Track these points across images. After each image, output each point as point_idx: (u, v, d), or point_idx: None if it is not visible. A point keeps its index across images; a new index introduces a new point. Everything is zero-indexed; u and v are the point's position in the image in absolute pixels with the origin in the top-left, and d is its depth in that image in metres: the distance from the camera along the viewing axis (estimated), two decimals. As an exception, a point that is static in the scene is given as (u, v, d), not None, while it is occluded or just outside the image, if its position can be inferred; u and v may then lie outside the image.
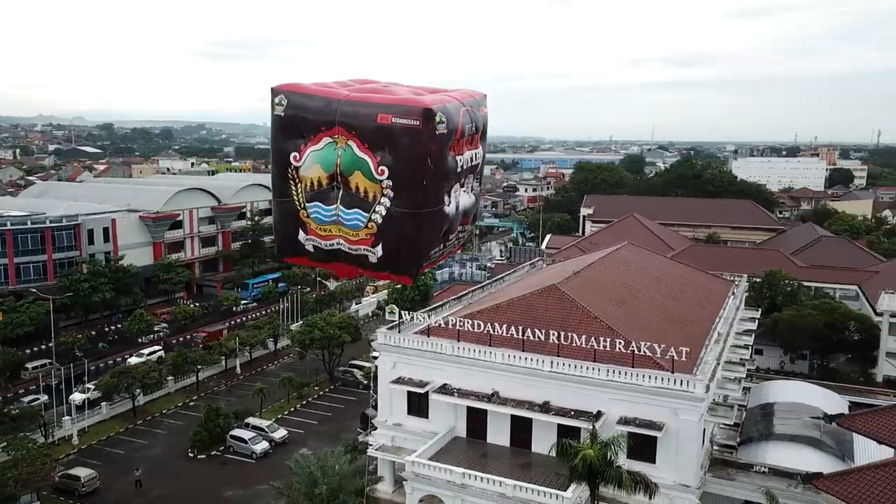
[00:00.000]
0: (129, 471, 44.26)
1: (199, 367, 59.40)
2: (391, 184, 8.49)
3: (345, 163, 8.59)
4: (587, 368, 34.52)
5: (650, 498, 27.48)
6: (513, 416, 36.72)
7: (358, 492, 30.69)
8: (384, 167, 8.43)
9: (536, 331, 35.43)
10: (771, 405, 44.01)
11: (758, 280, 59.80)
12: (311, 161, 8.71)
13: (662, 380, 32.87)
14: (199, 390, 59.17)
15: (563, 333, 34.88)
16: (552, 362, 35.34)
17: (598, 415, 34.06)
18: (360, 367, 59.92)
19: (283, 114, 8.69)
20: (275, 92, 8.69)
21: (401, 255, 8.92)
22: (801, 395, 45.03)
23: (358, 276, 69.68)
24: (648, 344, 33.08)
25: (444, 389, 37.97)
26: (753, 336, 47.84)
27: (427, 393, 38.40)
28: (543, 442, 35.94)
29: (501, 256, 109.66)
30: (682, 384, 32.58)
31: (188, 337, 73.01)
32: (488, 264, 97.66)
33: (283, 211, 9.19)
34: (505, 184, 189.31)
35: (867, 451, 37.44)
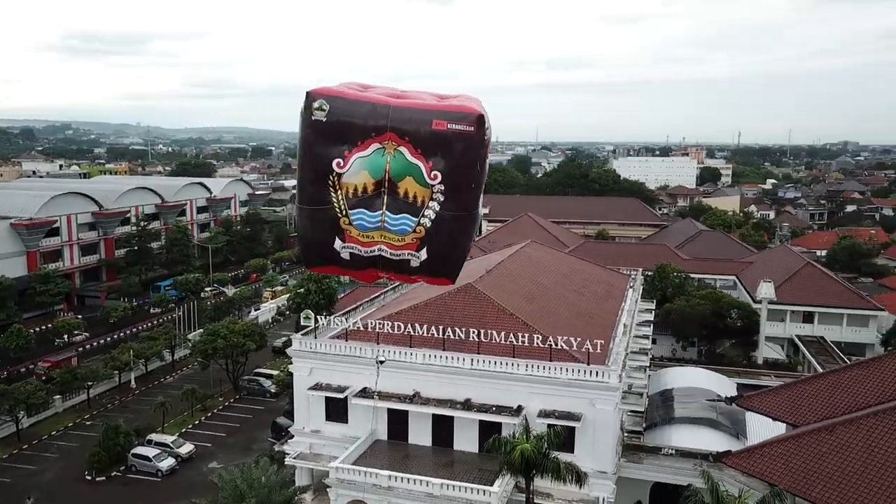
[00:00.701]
0: (21, 500, 40.91)
1: (90, 383, 55.72)
2: (443, 188, 8.60)
3: (395, 169, 8.59)
4: (507, 364, 35.37)
5: (580, 486, 28.58)
6: (434, 416, 37.02)
7: (286, 502, 29.94)
8: (437, 172, 8.55)
9: (456, 329, 35.94)
10: (670, 391, 46.78)
11: (649, 273, 63.36)
12: (358, 167, 8.63)
13: (579, 372, 34.21)
14: (92, 408, 55.50)
15: (481, 331, 35.58)
16: (472, 360, 35.94)
17: (519, 409, 34.98)
18: (267, 376, 58.33)
19: (324, 119, 8.49)
20: (312, 97, 8.51)
21: (448, 258, 9.11)
22: (696, 380, 48.16)
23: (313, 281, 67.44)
24: (565, 338, 34.35)
25: (365, 393, 37.71)
26: (652, 326, 50.66)
27: (346, 398, 38.03)
28: (465, 440, 36.56)
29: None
30: (597, 375, 34.05)
31: (28, 368, 62.48)
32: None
33: (317, 219, 8.96)
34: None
35: (757, 428, 40.73)
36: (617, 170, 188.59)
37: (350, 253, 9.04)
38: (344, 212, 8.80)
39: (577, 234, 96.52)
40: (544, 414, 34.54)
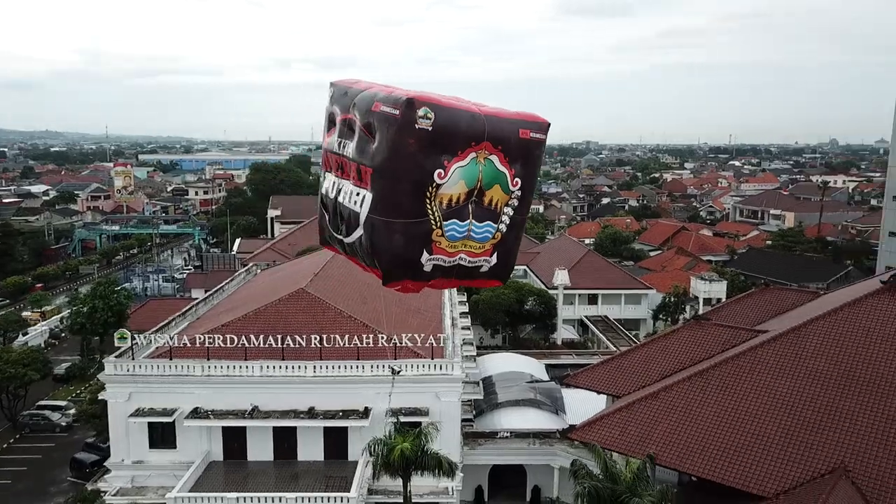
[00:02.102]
0: None
1: None
2: (519, 194, 8.79)
3: (486, 177, 8.44)
4: (352, 367, 35.05)
5: (452, 478, 29.28)
6: (275, 429, 35.56)
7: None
8: (518, 178, 8.72)
9: (296, 337, 34.80)
10: (490, 377, 49.38)
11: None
12: (457, 177, 8.33)
13: (425, 367, 34.98)
14: None
15: (322, 336, 34.85)
16: (315, 367, 35.05)
17: (367, 411, 34.87)
18: (55, 408, 51.47)
19: (430, 128, 8.02)
20: (417, 104, 7.99)
21: (509, 260, 9.23)
22: (511, 365, 51.40)
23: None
24: (409, 335, 34.91)
25: (197, 414, 35.03)
26: (469, 318, 53.09)
27: (174, 421, 35.03)
28: (310, 449, 35.68)
29: (188, 265, 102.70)
30: (442, 368, 35.09)
31: None
32: (177, 275, 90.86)
33: (410, 233, 8.37)
34: (171, 186, 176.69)
35: (572, 404, 44.76)
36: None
37: (434, 265, 8.66)
38: (438, 223, 8.42)
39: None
40: (392, 412, 34.76)
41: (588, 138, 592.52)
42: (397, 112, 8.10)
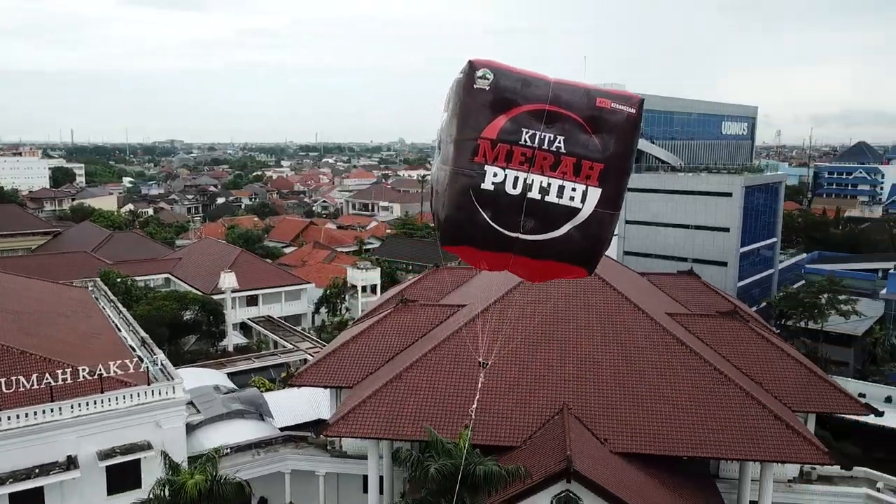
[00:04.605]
0: None
1: None
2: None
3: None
4: (45, 412, 28.65)
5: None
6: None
7: None
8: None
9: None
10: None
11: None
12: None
13: (142, 395, 30.51)
14: None
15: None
16: (-9, 420, 27.73)
17: (71, 461, 28.96)
18: None
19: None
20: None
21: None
22: (195, 381, 47.51)
23: None
24: (119, 362, 30.03)
25: None
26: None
27: None
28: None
29: None
30: (162, 393, 31.05)
31: None
32: None
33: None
34: None
35: (277, 404, 43.79)
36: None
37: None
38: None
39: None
40: (104, 455, 29.57)
41: (172, 137, 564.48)
42: (634, 111, 8.73)
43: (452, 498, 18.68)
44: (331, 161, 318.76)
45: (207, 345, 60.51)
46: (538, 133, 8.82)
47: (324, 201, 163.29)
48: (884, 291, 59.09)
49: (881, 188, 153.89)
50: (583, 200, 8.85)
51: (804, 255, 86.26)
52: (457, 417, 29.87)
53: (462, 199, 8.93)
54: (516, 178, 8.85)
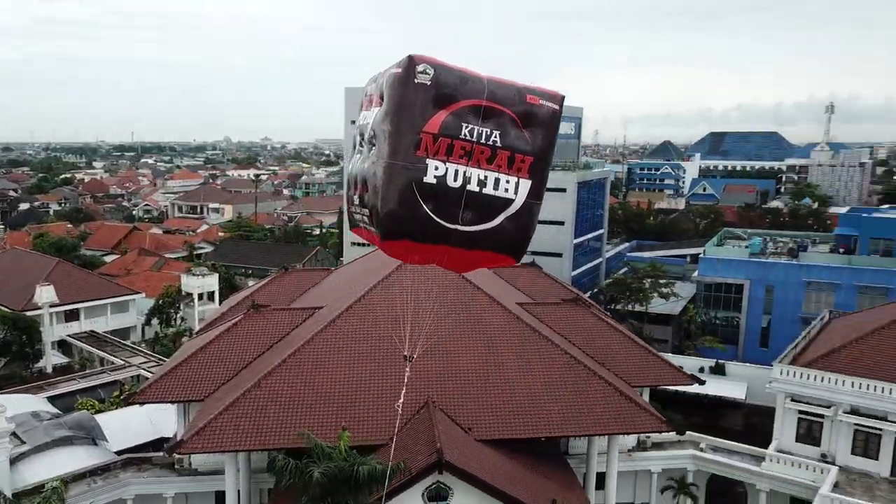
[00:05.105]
0: None
1: None
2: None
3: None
4: None
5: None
6: None
7: None
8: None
9: None
10: None
11: None
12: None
13: (-45, 429, 26.63)
14: None
15: None
16: None
17: None
18: None
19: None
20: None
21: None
22: (14, 406, 42.35)
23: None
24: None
25: None
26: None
27: None
28: None
29: None
30: (-19, 425, 27.30)
31: None
32: None
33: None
34: None
35: (111, 426, 40.26)
36: None
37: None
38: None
39: None
40: None
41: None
42: (557, 107, 9.41)
43: (335, 501, 18.15)
44: (150, 161, 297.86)
45: (21, 367, 54.07)
46: (476, 128, 9.11)
47: (146, 204, 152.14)
48: (695, 274, 65.81)
49: (683, 182, 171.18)
50: (515, 192, 9.29)
51: (626, 245, 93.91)
52: (324, 421, 29.14)
53: (405, 193, 8.98)
54: (457, 172, 9.08)
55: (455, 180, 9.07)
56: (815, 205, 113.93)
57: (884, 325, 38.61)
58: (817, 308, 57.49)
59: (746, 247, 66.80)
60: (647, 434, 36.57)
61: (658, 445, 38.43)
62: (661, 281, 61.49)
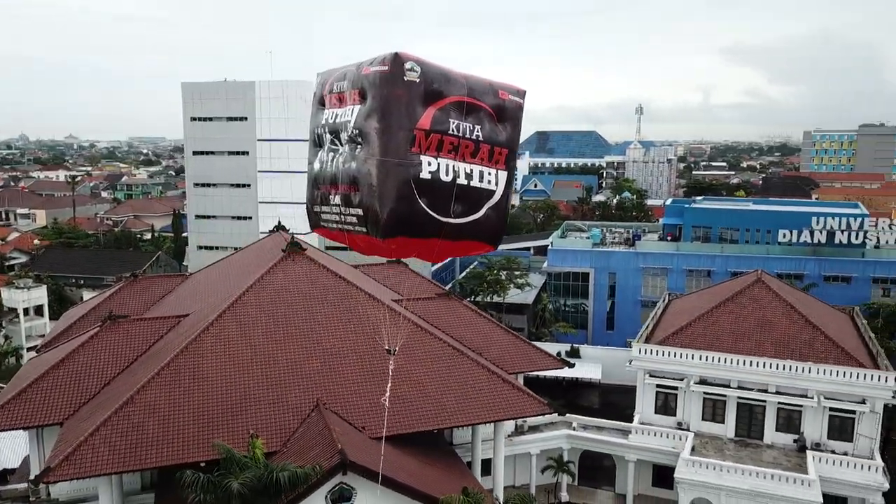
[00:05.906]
0: None
1: None
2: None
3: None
4: None
5: None
6: None
7: None
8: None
9: None
10: None
11: None
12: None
13: None
14: None
15: None
16: None
17: None
18: None
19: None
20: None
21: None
22: None
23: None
24: None
25: None
26: None
27: None
28: None
29: None
30: None
31: None
32: None
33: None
34: None
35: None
36: None
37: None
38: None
39: None
40: None
41: None
42: (522, 101, 10.05)
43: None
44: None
45: None
46: (461, 123, 9.46)
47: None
48: (545, 265, 69.41)
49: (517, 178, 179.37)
50: (496, 183, 9.83)
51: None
52: (212, 433, 27.38)
53: (404, 190, 9.10)
54: (447, 166, 9.37)
55: (447, 175, 9.40)
56: (634, 198, 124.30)
57: (718, 304, 43.21)
58: (653, 291, 63.04)
59: (588, 238, 71.51)
60: (525, 418, 38.20)
61: (534, 429, 40.25)
62: (517, 272, 64.19)
